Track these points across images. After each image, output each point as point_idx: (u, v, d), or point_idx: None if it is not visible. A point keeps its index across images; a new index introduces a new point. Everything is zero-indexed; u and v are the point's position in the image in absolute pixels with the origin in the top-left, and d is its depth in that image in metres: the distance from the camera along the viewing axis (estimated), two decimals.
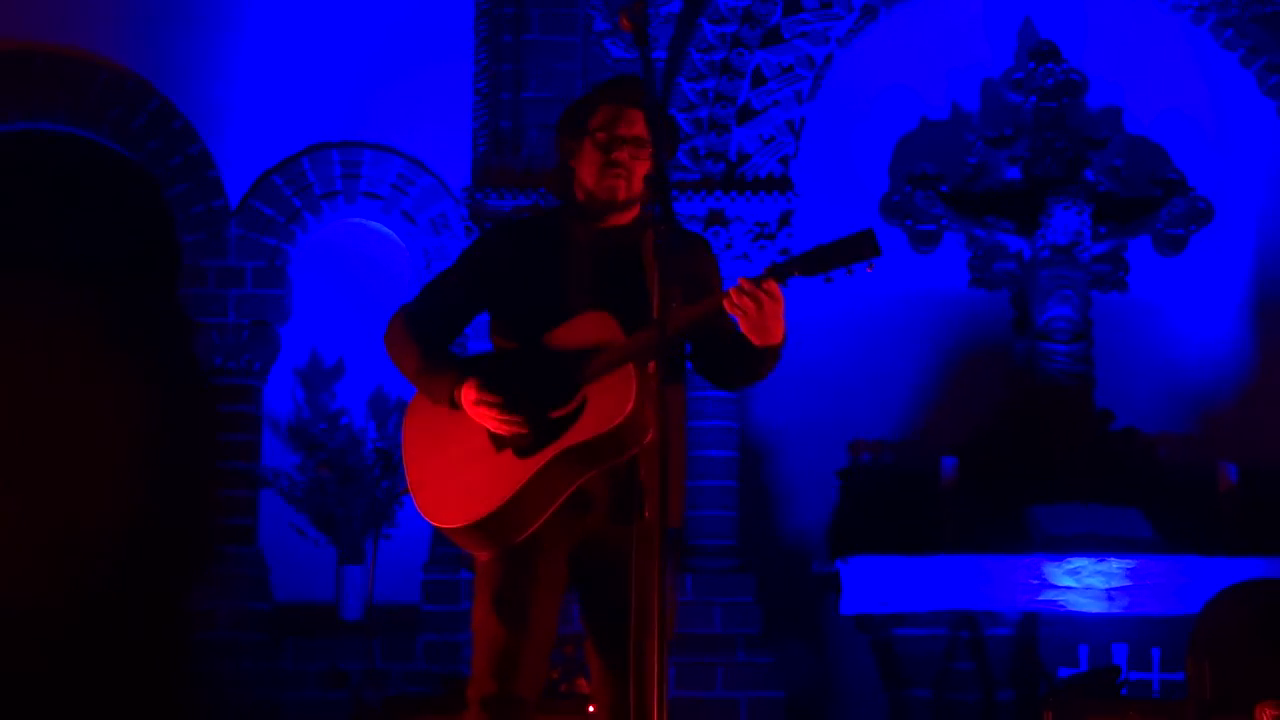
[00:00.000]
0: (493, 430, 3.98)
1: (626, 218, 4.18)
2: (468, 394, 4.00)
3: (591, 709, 4.36)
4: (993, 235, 9.17)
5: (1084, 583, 8.07)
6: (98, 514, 7.88)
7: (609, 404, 3.86)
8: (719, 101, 8.66)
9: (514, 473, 3.95)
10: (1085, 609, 8.06)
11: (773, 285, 3.74)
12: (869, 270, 3.67)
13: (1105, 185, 9.22)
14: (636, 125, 4.09)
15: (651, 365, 3.71)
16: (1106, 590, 8.07)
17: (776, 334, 3.84)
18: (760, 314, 3.77)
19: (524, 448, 3.95)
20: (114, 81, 8.80)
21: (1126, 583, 8.08)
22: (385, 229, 8.91)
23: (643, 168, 4.10)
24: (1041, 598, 8.07)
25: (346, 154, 8.81)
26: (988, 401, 9.11)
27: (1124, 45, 9.57)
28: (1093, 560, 8.10)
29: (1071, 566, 8.08)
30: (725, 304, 3.79)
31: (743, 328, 3.82)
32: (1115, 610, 8.06)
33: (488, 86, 8.68)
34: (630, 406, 3.78)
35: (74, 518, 7.71)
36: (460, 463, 4.06)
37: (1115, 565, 8.11)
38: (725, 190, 8.55)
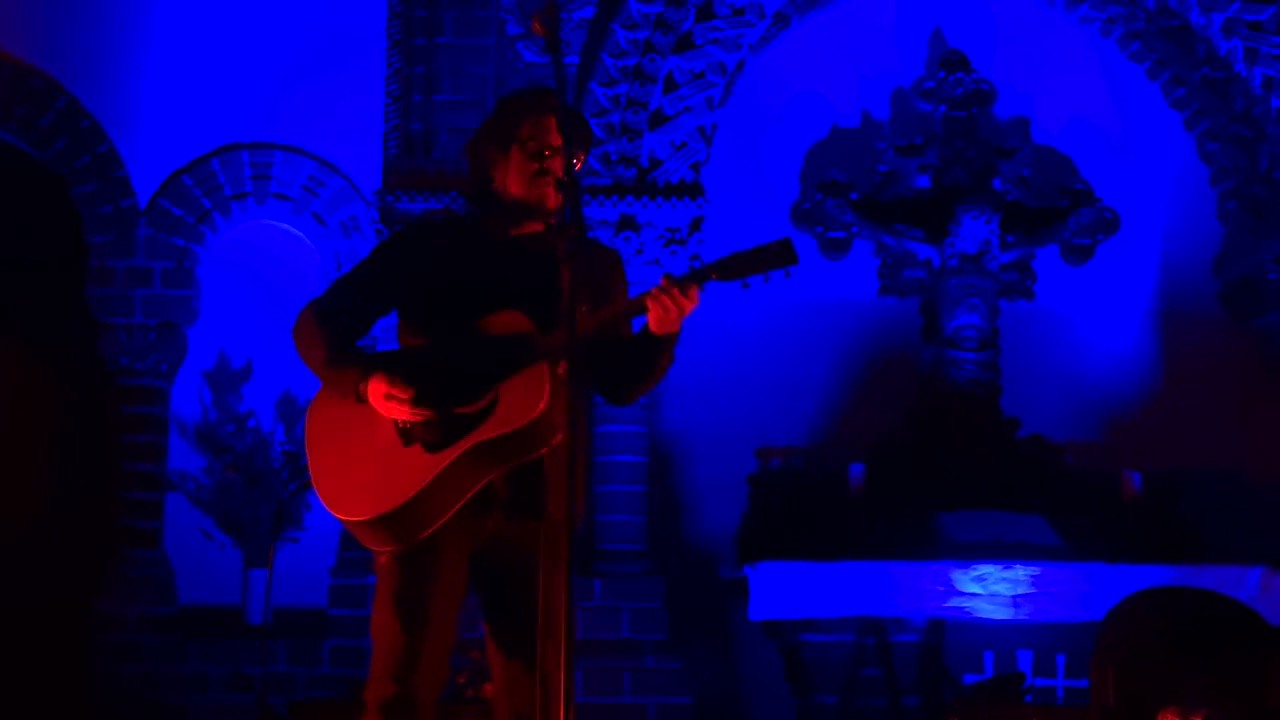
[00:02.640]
0: (401, 424, 3.97)
1: (540, 225, 4.22)
2: (376, 387, 3.98)
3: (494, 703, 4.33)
4: (902, 243, 9.22)
5: (990, 589, 8.12)
6: (7, 519, 7.83)
7: (521, 402, 3.86)
8: (631, 107, 8.67)
9: (422, 468, 3.95)
10: (991, 616, 8.11)
11: (694, 290, 3.78)
12: (786, 276, 3.69)
13: (1013, 194, 9.31)
14: (553, 131, 4.13)
15: (562, 366, 3.68)
16: (1012, 597, 8.11)
17: (677, 325, 3.87)
18: (677, 313, 3.81)
19: (432, 443, 3.94)
20: (19, 78, 8.72)
21: (1032, 590, 8.12)
22: (295, 230, 8.89)
23: (560, 170, 4.07)
24: (948, 604, 8.11)
25: (257, 155, 8.79)
26: (896, 408, 9.13)
27: (1033, 56, 9.67)
28: (999, 567, 8.15)
29: (978, 573, 8.12)
30: (648, 299, 3.81)
31: (650, 319, 3.85)
32: (1020, 617, 8.10)
33: (399, 89, 8.68)
34: (542, 405, 3.78)
35: None
36: (366, 456, 4.05)
37: (1021, 572, 8.15)
38: (637, 195, 8.55)
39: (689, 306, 3.82)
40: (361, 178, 8.77)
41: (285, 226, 8.91)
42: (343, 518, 4.04)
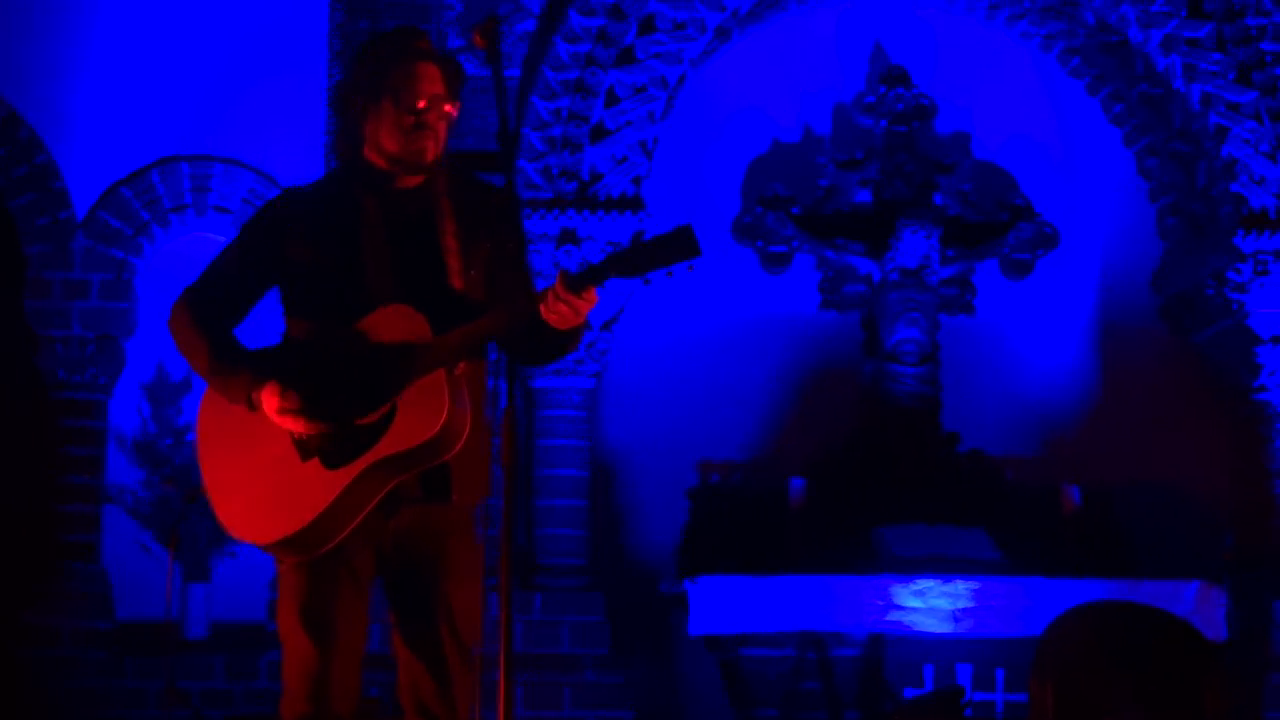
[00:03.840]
0: (295, 437, 3.87)
1: (417, 180, 4.07)
2: (269, 400, 3.88)
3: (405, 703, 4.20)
4: (843, 257, 9.22)
5: (930, 604, 8.11)
6: None
7: (422, 415, 3.79)
8: (572, 120, 8.65)
9: (324, 485, 3.85)
10: (931, 630, 8.10)
11: (590, 293, 3.69)
12: (689, 270, 3.62)
13: (954, 209, 9.33)
14: (436, 83, 4.00)
15: (461, 367, 3.73)
16: (952, 611, 8.10)
17: (578, 320, 3.78)
18: (574, 315, 3.72)
19: (332, 456, 3.84)
20: None
21: (971, 604, 8.13)
22: None
23: (445, 126, 4.03)
24: (888, 618, 8.09)
25: (197, 167, 8.73)
26: (837, 423, 9.13)
27: (973, 71, 9.70)
28: (939, 581, 8.14)
29: (918, 588, 8.11)
30: (542, 308, 3.71)
31: (549, 321, 3.74)
32: (960, 631, 8.10)
33: (341, 99, 8.49)
34: (444, 419, 3.74)
35: None
36: (263, 470, 3.94)
37: (961, 586, 8.15)
38: (578, 209, 8.54)
39: (586, 308, 3.73)
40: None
41: (224, 239, 8.73)
42: (244, 540, 3.97)
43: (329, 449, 3.82)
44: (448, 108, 3.97)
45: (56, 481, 8.42)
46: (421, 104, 3.96)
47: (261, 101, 8.81)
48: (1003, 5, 9.54)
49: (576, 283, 3.67)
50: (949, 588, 8.11)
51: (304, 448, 3.84)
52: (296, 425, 3.83)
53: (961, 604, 8.10)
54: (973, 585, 8.14)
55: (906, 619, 8.07)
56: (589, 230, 8.54)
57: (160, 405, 8.62)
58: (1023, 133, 9.69)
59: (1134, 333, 9.54)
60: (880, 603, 8.08)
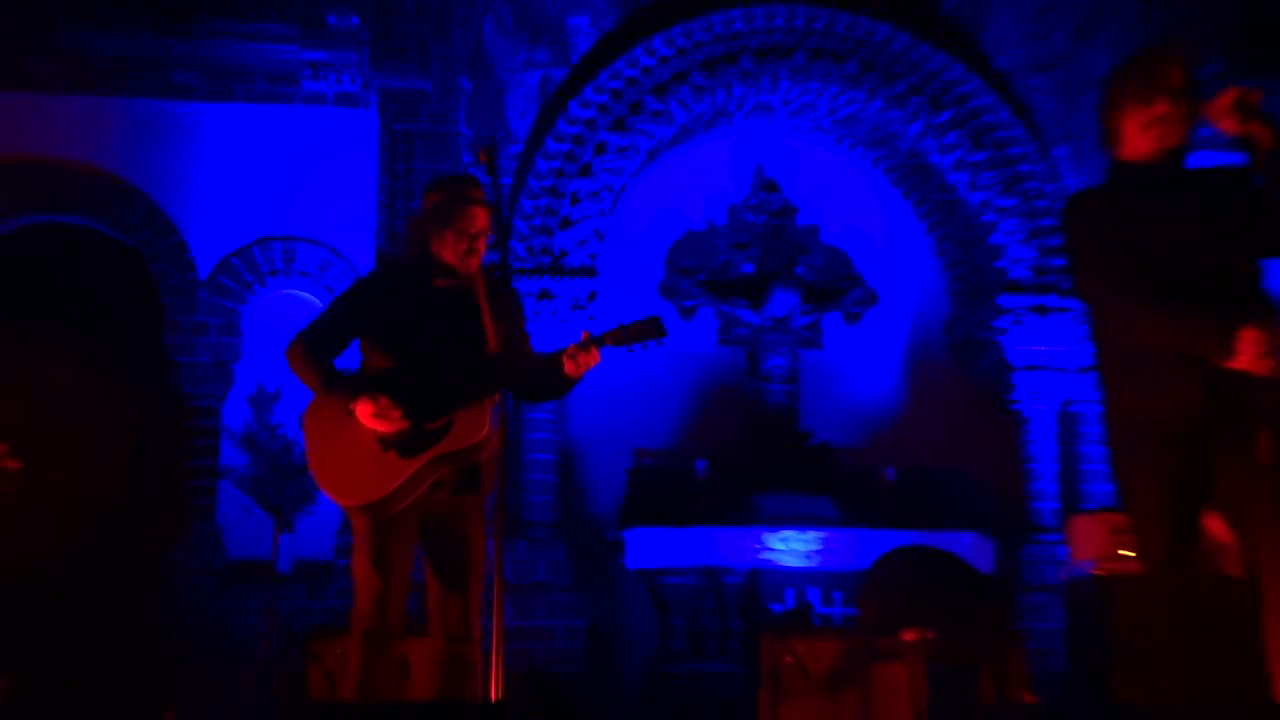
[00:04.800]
0: (382, 435, 3.99)
1: (460, 279, 4.20)
2: (363, 407, 3.96)
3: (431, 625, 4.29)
4: (733, 310, 9.36)
5: (790, 547, 8.29)
6: (105, 499, 7.90)
7: (472, 426, 3.96)
8: (548, 214, 8.71)
9: (399, 468, 3.98)
10: (791, 565, 8.27)
11: (595, 351, 3.94)
12: (659, 345, 4.03)
13: (809, 278, 9.45)
14: (484, 220, 4.17)
15: (495, 396, 3.92)
16: (805, 552, 8.29)
17: (583, 371, 3.99)
18: (584, 366, 3.96)
19: (406, 450, 3.99)
20: (112, 186, 8.71)
21: (819, 547, 8.31)
22: (311, 297, 8.87)
23: (484, 246, 4.19)
24: (761, 557, 8.27)
25: (285, 244, 8.81)
26: (728, 423, 9.23)
27: (823, 183, 9.77)
28: (797, 532, 8.33)
29: (782, 536, 8.30)
30: (564, 357, 3.93)
31: (566, 368, 3.95)
32: (811, 566, 8.27)
33: (386, 198, 8.65)
34: (486, 430, 3.92)
35: (85, 502, 7.72)
36: (355, 457, 4.02)
37: (812, 535, 8.33)
38: (552, 275, 8.62)
39: (591, 362, 3.96)
40: (358, 259, 8.75)
41: (304, 294, 8.88)
42: (338, 500, 4.10)
43: (404, 444, 3.98)
44: (488, 236, 4.18)
45: (186, 464, 8.51)
46: (472, 233, 4.17)
47: (328, 196, 8.86)
48: (844, 137, 9.60)
49: (586, 345, 3.93)
50: (803, 536, 8.31)
51: (385, 442, 3.97)
52: (382, 426, 3.97)
53: (812, 547, 8.29)
54: (820, 534, 8.33)
55: (774, 557, 8.27)
56: (558, 290, 8.62)
57: (259, 410, 8.64)
58: (856, 226, 9.78)
59: (931, 363, 9.68)
60: (756, 546, 8.26)
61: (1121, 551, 7.08)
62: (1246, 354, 3.28)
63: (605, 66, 8.86)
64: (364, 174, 8.91)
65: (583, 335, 4.01)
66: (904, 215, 9.90)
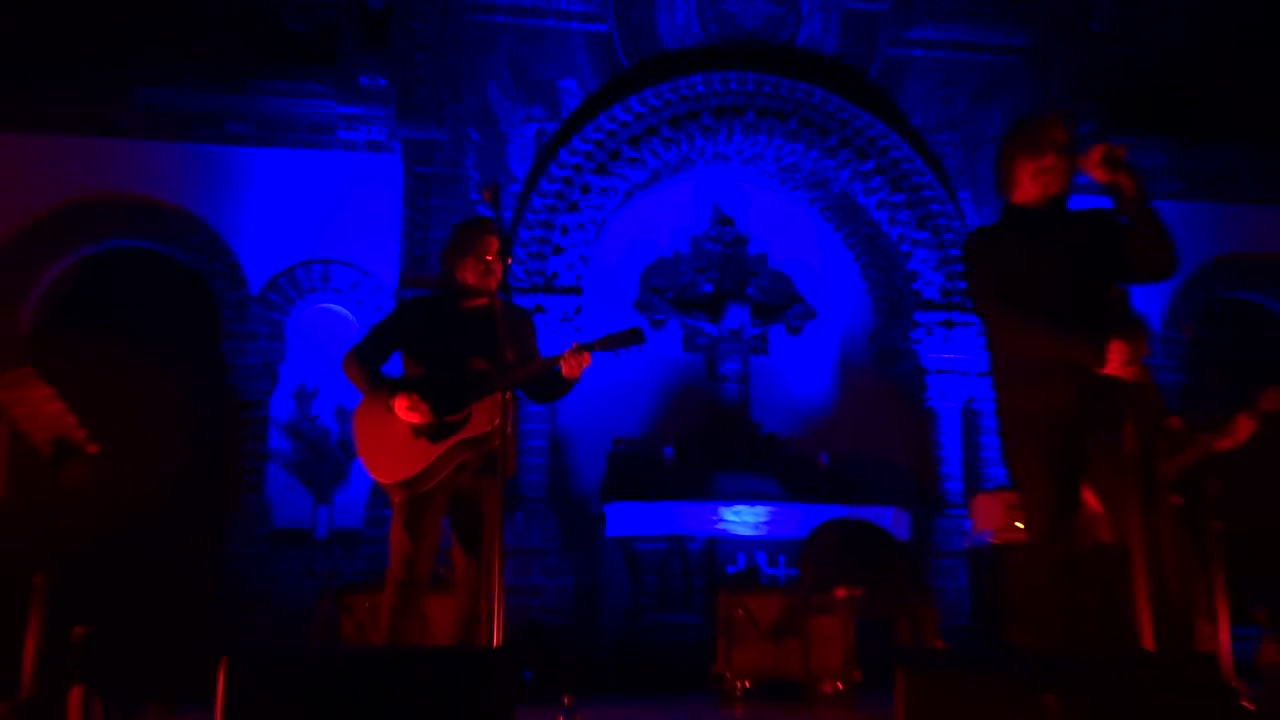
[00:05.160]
0: (414, 425, 4.07)
1: (485, 300, 4.29)
2: (400, 403, 4.06)
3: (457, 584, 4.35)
4: (695, 323, 9.37)
5: (742, 519, 8.31)
6: (172, 477, 7.86)
7: (486, 416, 4.02)
8: (542, 243, 8.69)
9: (428, 452, 4.06)
10: (743, 533, 8.29)
11: (586, 356, 4.00)
12: (639, 351, 4.07)
13: (758, 297, 9.45)
14: (494, 246, 4.25)
15: (508, 394, 3.88)
16: (755, 523, 8.31)
17: (578, 373, 4.06)
18: (578, 368, 4.02)
19: (432, 437, 4.07)
20: (177, 216, 8.65)
21: (766, 519, 8.33)
22: (344, 310, 8.82)
23: (500, 269, 4.23)
24: (718, 527, 8.29)
25: (323, 266, 8.76)
26: (690, 417, 9.22)
27: (770, 218, 9.76)
28: (747, 506, 8.34)
29: (736, 510, 8.32)
30: (561, 360, 4.00)
31: (563, 370, 4.02)
32: (759, 535, 8.29)
33: (407, 228, 8.63)
34: (498, 420, 3.88)
35: (157, 479, 7.66)
36: (393, 443, 4.12)
37: (760, 509, 8.35)
38: (545, 293, 8.60)
39: (585, 364, 4.02)
40: (385, 279, 8.70)
41: (338, 308, 8.82)
42: (379, 479, 4.17)
43: (432, 433, 4.07)
44: (502, 262, 4.21)
45: (240, 449, 8.47)
46: (488, 259, 4.24)
47: (359, 226, 8.79)
48: (787, 180, 9.57)
49: (579, 350, 3.99)
50: (753, 510, 8.32)
51: (416, 431, 4.07)
52: (414, 418, 4.06)
53: (760, 519, 8.31)
54: (767, 509, 8.35)
55: (729, 527, 8.29)
56: (550, 305, 8.58)
57: (300, 404, 8.59)
58: (798, 254, 9.77)
59: (859, 368, 9.67)
60: (714, 518, 8.28)
61: (1015, 523, 7.11)
62: (1114, 362, 3.35)
63: (590, 121, 8.85)
64: (389, 208, 8.87)
65: (573, 345, 4.07)
66: (836, 246, 9.87)
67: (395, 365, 4.41)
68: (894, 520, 8.31)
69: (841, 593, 6.41)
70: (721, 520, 8.33)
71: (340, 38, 8.96)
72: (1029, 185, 3.64)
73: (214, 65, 8.72)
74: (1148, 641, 3.13)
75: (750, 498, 8.46)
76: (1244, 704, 4.89)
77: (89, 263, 8.72)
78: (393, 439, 4.11)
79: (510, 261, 4.36)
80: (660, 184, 9.49)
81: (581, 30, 9.07)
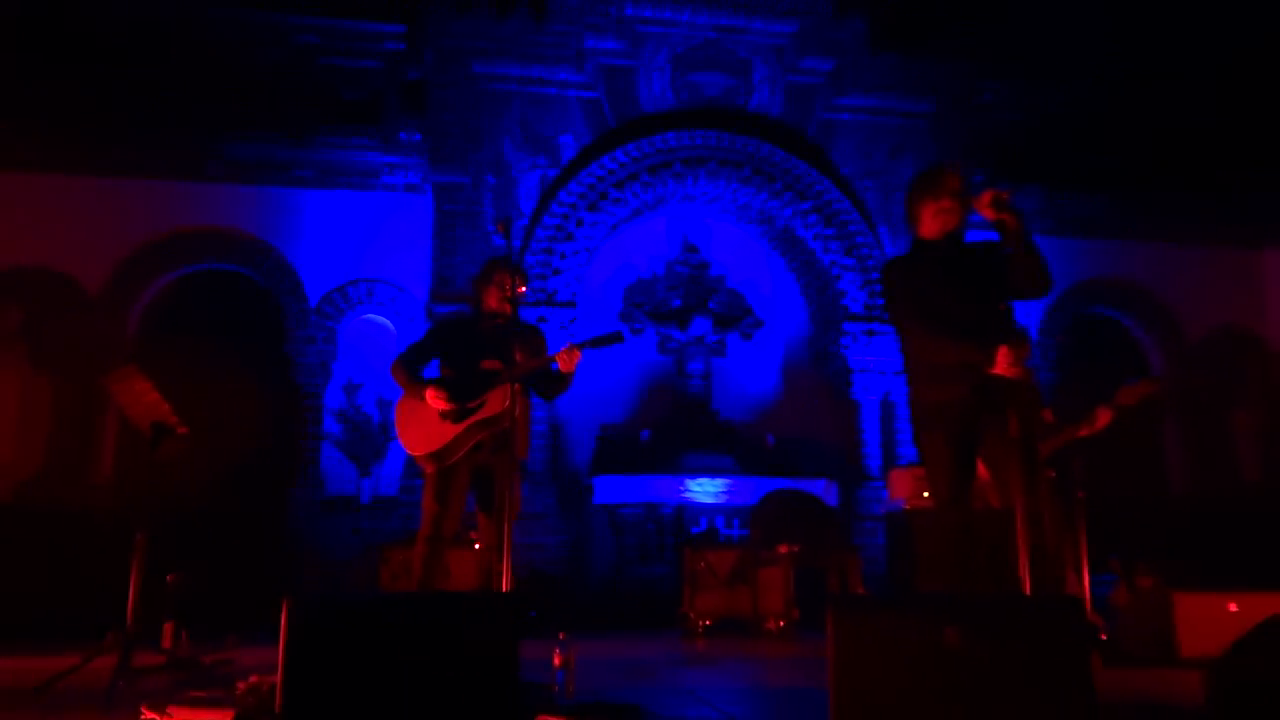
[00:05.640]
0: (440, 411, 4.10)
1: (503, 320, 4.27)
2: (430, 392, 4.07)
3: (476, 545, 4.44)
4: (667, 331, 9.31)
5: (704, 489, 8.31)
6: (247, 453, 7.81)
7: (499, 402, 4.02)
8: (544, 266, 8.66)
9: (450, 430, 4.07)
10: (705, 501, 8.28)
11: (577, 353, 3.99)
12: (622, 351, 4.05)
13: (718, 310, 9.39)
14: (515, 279, 4.11)
15: (516, 386, 3.90)
16: (714, 493, 8.31)
17: (571, 370, 4.04)
18: (570, 364, 4.00)
19: (455, 419, 4.09)
20: (250, 242, 8.60)
21: (724, 489, 8.32)
22: (385, 320, 8.76)
23: (517, 298, 4.19)
24: (684, 496, 8.28)
25: (370, 285, 8.70)
26: (662, 407, 9.16)
27: (729, 247, 9.68)
28: (708, 479, 8.35)
29: (699, 482, 8.32)
30: (557, 358, 3.99)
31: (559, 365, 4.00)
32: (718, 502, 8.28)
33: (437, 253, 8.57)
34: (507, 403, 3.93)
35: (235, 456, 7.62)
36: (424, 425, 4.14)
37: (719, 482, 8.34)
38: (547, 306, 8.55)
39: (576, 359, 4.00)
40: (418, 295, 8.64)
41: (380, 318, 8.77)
42: (413, 453, 4.17)
43: (455, 415, 4.09)
44: (520, 289, 4.16)
45: (301, 431, 8.41)
46: (506, 287, 4.22)
47: (397, 252, 8.73)
48: (741, 217, 9.50)
49: (571, 349, 3.98)
50: (713, 482, 8.33)
51: (443, 415, 4.09)
52: (441, 406, 4.08)
53: (719, 489, 8.31)
54: (725, 481, 8.36)
55: (693, 496, 8.28)
56: (551, 316, 8.53)
57: (349, 395, 8.55)
58: (750, 277, 9.69)
59: (798, 367, 9.60)
60: (681, 489, 8.28)
61: (922, 493, 7.13)
62: (1001, 364, 3.36)
63: (584, 169, 8.83)
64: (421, 237, 8.82)
65: (567, 344, 4.06)
66: (781, 269, 9.81)
67: (433, 370, 4.42)
68: (826, 490, 8.30)
69: (784, 549, 6.43)
70: (688, 490, 8.32)
71: (384, 102, 8.96)
72: (931, 222, 3.66)
73: (283, 124, 8.69)
74: (1026, 587, 3.13)
75: (711, 472, 8.46)
76: (1101, 636, 4.93)
77: (184, 280, 8.69)
78: (424, 422, 4.14)
79: (524, 290, 4.22)
80: (640, 219, 9.45)
81: (577, 96, 9.06)
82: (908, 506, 7.39)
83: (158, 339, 8.39)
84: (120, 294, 8.43)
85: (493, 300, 4.28)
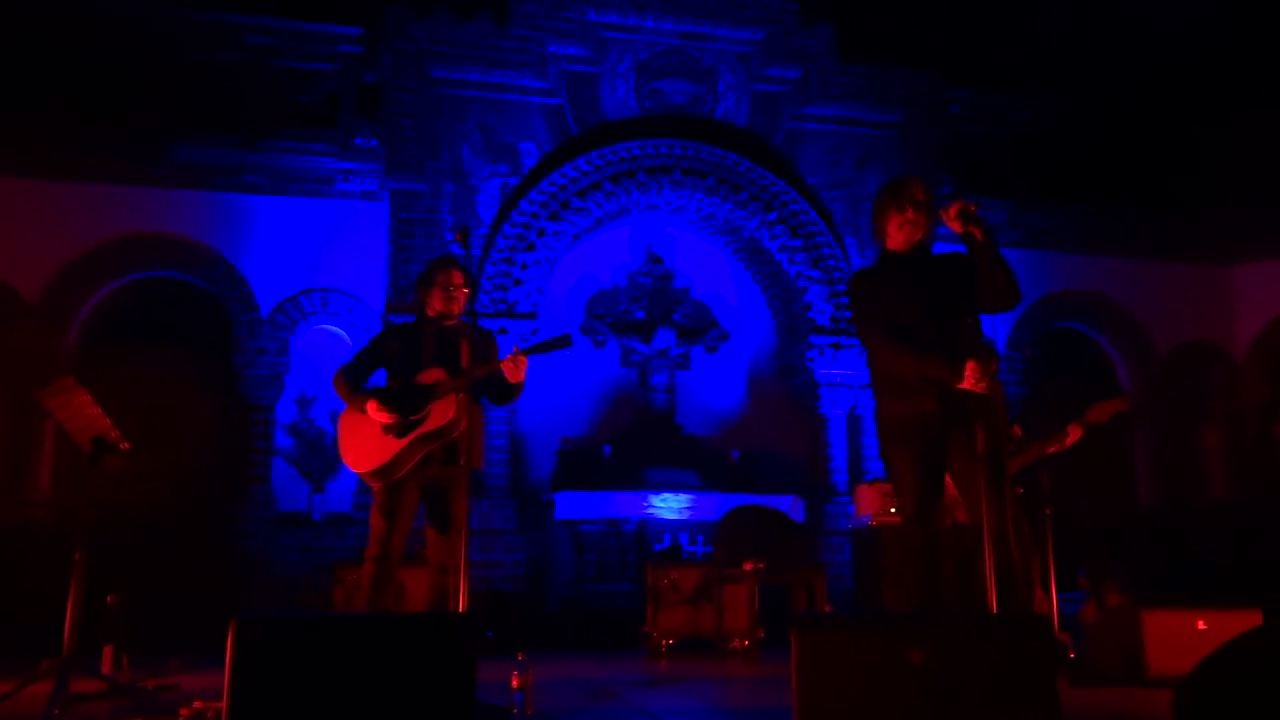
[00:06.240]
0: (383, 425, 4.01)
1: (451, 323, 4.19)
2: (372, 405, 4.01)
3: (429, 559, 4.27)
4: (631, 343, 9.32)
5: (668, 505, 8.31)
6: (194, 468, 7.72)
7: (443, 413, 3.95)
8: (505, 276, 8.64)
9: (393, 445, 4.00)
10: (668, 517, 8.27)
11: (523, 360, 3.92)
12: (569, 348, 3.89)
13: (682, 322, 9.43)
14: (458, 279, 4.17)
15: (462, 395, 3.87)
16: (678, 508, 8.30)
17: (520, 378, 3.96)
18: (517, 372, 3.93)
19: (398, 433, 4.00)
20: (198, 250, 8.50)
21: (687, 505, 8.31)
22: (339, 330, 8.71)
23: (463, 298, 4.17)
24: (647, 512, 8.28)
25: (325, 295, 8.65)
26: (625, 420, 9.17)
27: (693, 257, 9.71)
28: (672, 494, 8.35)
29: (662, 497, 8.32)
30: (502, 365, 3.90)
31: (505, 374, 3.93)
32: (682, 518, 8.28)
33: (393, 263, 8.53)
34: (451, 415, 3.90)
35: (182, 470, 7.55)
36: (367, 441, 4.05)
37: (682, 497, 8.34)
38: (508, 318, 8.53)
39: (523, 366, 3.94)
40: (374, 305, 8.59)
41: (335, 329, 8.72)
42: (356, 470, 4.10)
43: (397, 429, 4.00)
44: (465, 290, 4.16)
45: (251, 445, 8.32)
46: (450, 289, 4.17)
47: (352, 260, 8.67)
48: (706, 227, 9.55)
49: (516, 355, 3.92)
50: (677, 498, 8.33)
51: (385, 429, 4.00)
52: (384, 418, 4.01)
53: (682, 505, 8.31)
54: (688, 496, 8.36)
55: (656, 512, 8.28)
56: (511, 328, 8.50)
57: (301, 408, 8.49)
58: (715, 288, 9.72)
59: (764, 380, 9.64)
60: (644, 504, 8.28)
61: (889, 509, 7.16)
62: (969, 378, 3.38)
63: (545, 177, 8.83)
64: (378, 246, 8.78)
65: (514, 349, 4.02)
66: (746, 281, 9.84)
67: (379, 380, 4.35)
68: (792, 506, 8.32)
69: (748, 565, 6.41)
70: (651, 506, 8.32)
71: (340, 106, 8.90)
72: (897, 234, 3.68)
73: (234, 127, 8.60)
74: (993, 604, 3.14)
75: (674, 488, 8.46)
76: (1069, 655, 4.97)
77: (129, 288, 8.57)
78: (367, 438, 4.05)
79: (469, 291, 4.17)
80: (603, 229, 9.44)
81: (539, 103, 9.05)
82: (874, 522, 7.42)
83: (100, 350, 8.27)
84: (60, 302, 8.30)
85: (437, 303, 4.19)
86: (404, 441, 3.98)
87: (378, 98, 8.89)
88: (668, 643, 6.54)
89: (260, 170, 8.71)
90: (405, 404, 4.04)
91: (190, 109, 8.58)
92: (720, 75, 9.38)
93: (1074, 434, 5.11)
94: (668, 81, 9.28)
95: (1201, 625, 4.75)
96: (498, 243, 8.70)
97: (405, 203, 8.67)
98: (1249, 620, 4.54)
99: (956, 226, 3.44)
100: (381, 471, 4.02)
